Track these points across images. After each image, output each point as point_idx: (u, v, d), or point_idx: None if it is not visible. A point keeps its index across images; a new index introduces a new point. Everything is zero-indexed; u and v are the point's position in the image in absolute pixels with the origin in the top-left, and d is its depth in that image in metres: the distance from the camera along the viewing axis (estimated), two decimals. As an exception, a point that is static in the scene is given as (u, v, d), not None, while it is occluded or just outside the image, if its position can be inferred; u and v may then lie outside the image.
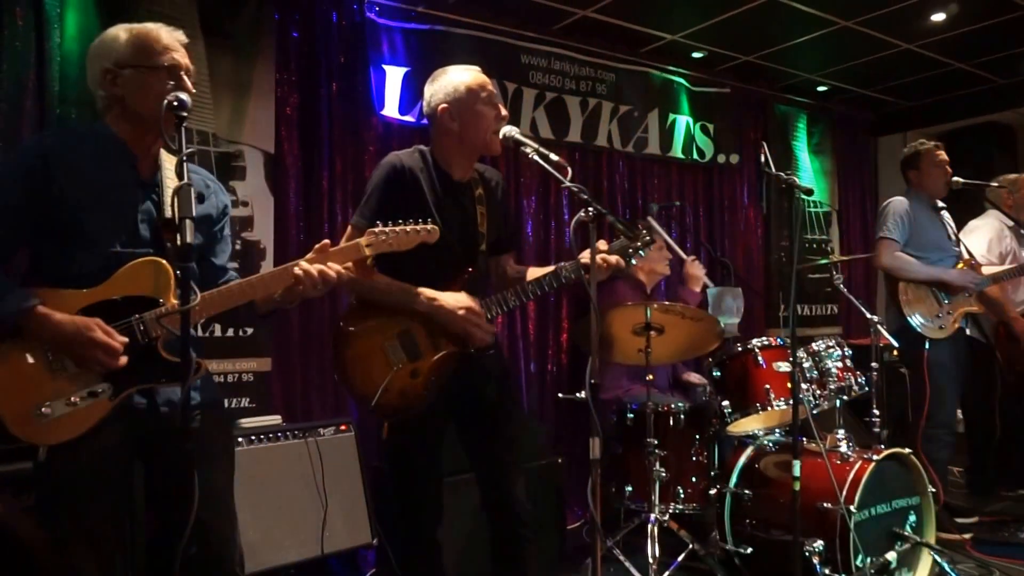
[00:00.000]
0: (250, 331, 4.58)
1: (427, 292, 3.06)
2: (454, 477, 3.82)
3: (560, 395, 3.85)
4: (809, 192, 3.70)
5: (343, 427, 4.36)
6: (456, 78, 3.23)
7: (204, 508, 2.25)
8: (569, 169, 2.95)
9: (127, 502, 2.65)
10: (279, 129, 4.78)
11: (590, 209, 2.78)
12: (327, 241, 2.69)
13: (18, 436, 2.33)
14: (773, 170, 4.19)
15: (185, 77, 2.54)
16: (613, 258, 3.15)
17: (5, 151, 3.79)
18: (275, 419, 4.34)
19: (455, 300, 3.06)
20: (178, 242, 2.16)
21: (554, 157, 2.99)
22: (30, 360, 2.35)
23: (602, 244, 3.10)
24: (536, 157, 3.01)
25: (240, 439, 3.94)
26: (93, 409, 2.40)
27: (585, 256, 3.13)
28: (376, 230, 2.72)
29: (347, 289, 3.15)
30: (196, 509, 2.21)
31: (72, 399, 2.36)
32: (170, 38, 2.56)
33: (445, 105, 3.18)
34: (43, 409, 2.33)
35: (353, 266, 2.74)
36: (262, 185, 4.67)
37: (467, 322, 3.05)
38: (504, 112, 3.25)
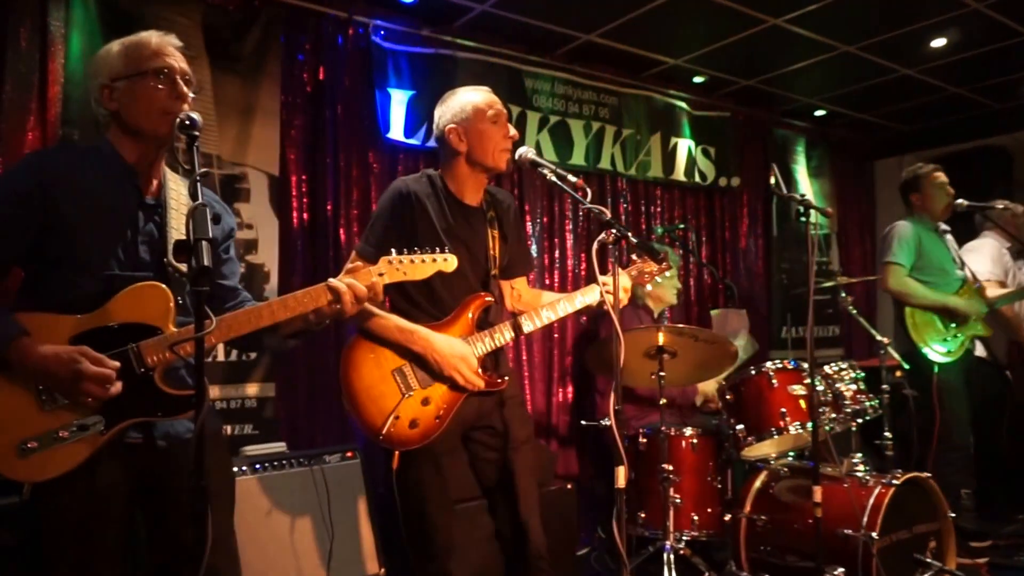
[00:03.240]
0: (253, 355, 4.50)
1: (422, 333, 2.99)
2: (464, 504, 3.74)
3: (583, 422, 3.77)
4: (828, 214, 3.66)
5: (349, 454, 4.26)
6: (464, 98, 3.20)
7: (211, 551, 2.11)
8: (588, 190, 2.90)
9: (127, 546, 2.45)
10: (284, 151, 4.74)
11: (613, 231, 2.74)
12: (359, 263, 2.62)
13: (4, 475, 2.19)
14: (785, 192, 4.16)
15: (181, 81, 2.43)
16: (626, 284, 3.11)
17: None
18: (279, 446, 4.25)
19: (449, 346, 2.99)
20: (193, 265, 2.02)
21: (572, 178, 2.96)
22: (16, 392, 2.21)
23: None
24: (554, 178, 2.99)
25: (243, 467, 3.86)
26: (83, 444, 2.25)
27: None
28: (391, 258, 2.63)
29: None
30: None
31: (60, 433, 2.22)
32: (161, 42, 2.45)
33: (453, 125, 3.15)
34: (28, 444, 2.19)
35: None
36: (266, 208, 4.61)
37: (456, 371, 2.98)
38: (513, 132, 3.21)
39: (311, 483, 4.05)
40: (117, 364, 2.25)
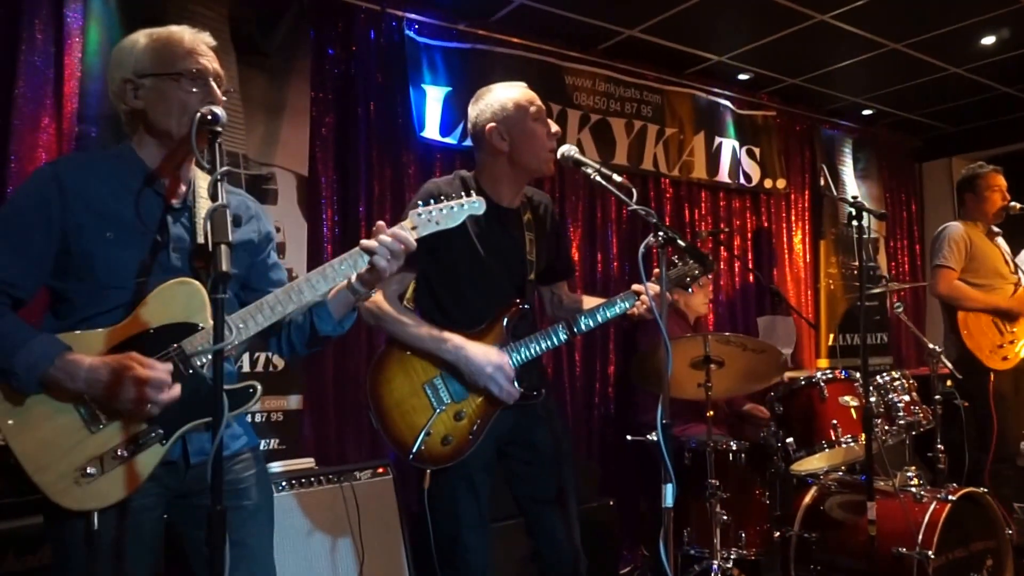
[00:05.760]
0: (280, 366, 4.38)
1: (455, 340, 2.85)
2: (499, 523, 3.61)
3: (629, 437, 3.61)
4: (883, 217, 3.51)
5: (381, 470, 4.14)
6: (504, 95, 3.05)
7: (249, 570, 1.94)
8: (635, 191, 2.73)
9: (157, 569, 2.34)
10: (313, 151, 4.61)
11: (660, 234, 2.58)
12: (381, 223, 2.44)
13: (66, 507, 2.04)
14: (835, 193, 4.02)
15: (214, 84, 2.29)
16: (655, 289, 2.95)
17: (21, 173, 3.62)
18: (307, 462, 4.13)
19: (484, 354, 2.84)
20: (211, 271, 1.91)
21: (617, 178, 2.81)
22: (62, 418, 2.07)
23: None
24: (599, 178, 2.83)
25: (270, 485, 3.74)
26: (147, 457, 2.12)
27: (639, 287, 3.03)
28: (420, 211, 2.48)
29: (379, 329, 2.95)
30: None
31: (119, 452, 2.08)
32: (194, 40, 2.31)
33: (493, 124, 3.00)
34: (89, 470, 2.06)
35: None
36: (295, 209, 4.48)
37: (491, 381, 2.83)
38: (556, 128, 3.09)
39: (341, 501, 3.94)
40: (169, 366, 2.11)
